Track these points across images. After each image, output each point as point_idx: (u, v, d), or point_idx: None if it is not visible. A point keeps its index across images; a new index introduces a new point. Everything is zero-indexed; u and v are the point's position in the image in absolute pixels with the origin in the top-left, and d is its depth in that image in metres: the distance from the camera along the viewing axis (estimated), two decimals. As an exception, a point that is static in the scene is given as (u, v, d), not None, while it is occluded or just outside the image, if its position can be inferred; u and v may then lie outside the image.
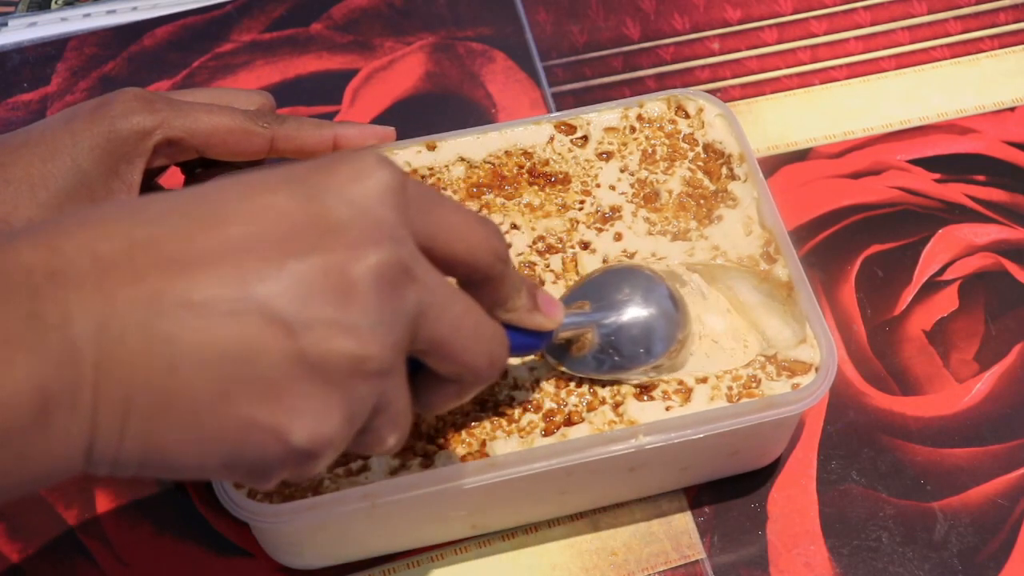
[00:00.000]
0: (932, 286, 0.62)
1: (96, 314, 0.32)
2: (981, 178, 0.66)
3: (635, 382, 0.50)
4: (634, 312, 0.50)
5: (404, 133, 0.58)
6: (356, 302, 0.34)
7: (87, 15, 0.76)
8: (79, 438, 0.32)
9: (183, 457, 0.34)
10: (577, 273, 0.54)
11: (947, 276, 0.63)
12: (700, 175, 0.56)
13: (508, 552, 0.54)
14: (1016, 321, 0.61)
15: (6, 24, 0.76)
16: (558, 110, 0.69)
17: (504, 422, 0.50)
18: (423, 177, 0.57)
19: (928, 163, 0.67)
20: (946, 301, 0.62)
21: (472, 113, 0.70)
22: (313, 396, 0.34)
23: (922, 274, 0.63)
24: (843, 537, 0.54)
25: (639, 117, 0.58)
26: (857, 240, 0.64)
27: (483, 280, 0.40)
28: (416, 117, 0.70)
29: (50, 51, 0.74)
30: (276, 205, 0.34)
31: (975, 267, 0.63)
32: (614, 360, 0.50)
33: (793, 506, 0.55)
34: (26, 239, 0.33)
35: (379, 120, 0.70)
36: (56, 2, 0.77)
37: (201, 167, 0.56)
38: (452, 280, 0.39)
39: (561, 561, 0.54)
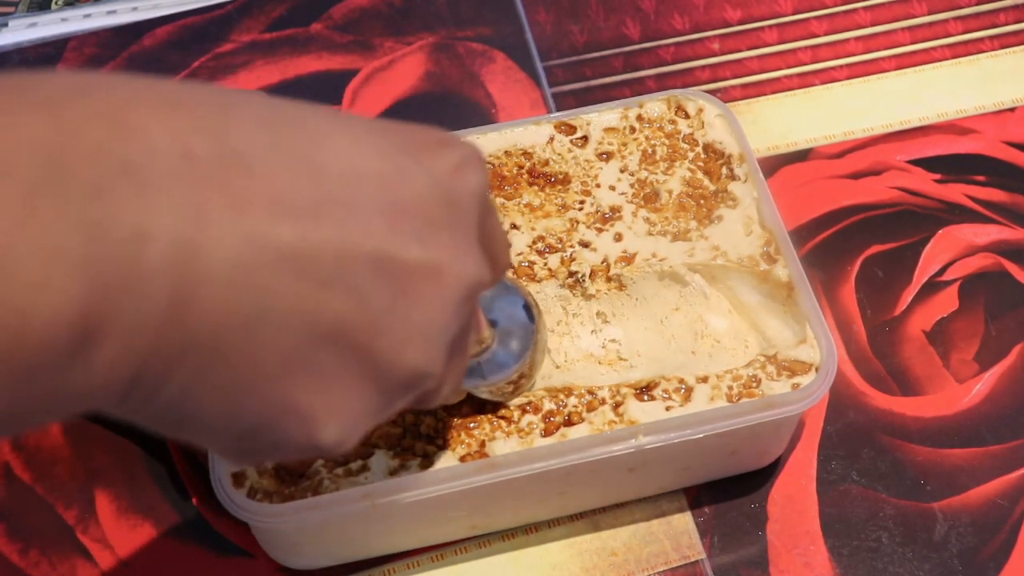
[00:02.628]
0: (932, 286, 0.62)
1: (183, 236, 0.26)
2: (981, 178, 0.66)
3: (484, 395, 0.50)
4: (513, 321, 0.49)
5: (404, 133, 0.58)
6: (440, 313, 0.32)
7: (87, 15, 0.76)
8: (120, 382, 0.27)
9: (207, 420, 0.30)
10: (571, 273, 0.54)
11: (947, 276, 0.63)
12: (700, 175, 0.56)
13: (508, 552, 0.54)
14: (1016, 321, 0.61)
15: (6, 24, 0.76)
16: (558, 110, 0.69)
17: (503, 423, 0.50)
18: None
19: (928, 163, 0.67)
20: (946, 301, 0.62)
21: (472, 113, 0.70)
22: (360, 398, 0.31)
23: (922, 274, 0.63)
24: (843, 537, 0.54)
25: (639, 117, 0.58)
26: (857, 240, 0.64)
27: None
28: (416, 117, 0.69)
29: (50, 51, 0.74)
30: (384, 175, 0.31)
31: (975, 267, 0.63)
32: (482, 367, 0.48)
33: (793, 506, 0.55)
34: (86, 103, 0.26)
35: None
36: (56, 2, 0.77)
37: None
38: None
39: (561, 561, 0.54)
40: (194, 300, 0.27)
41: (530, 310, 0.49)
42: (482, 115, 0.70)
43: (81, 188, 0.25)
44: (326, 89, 0.71)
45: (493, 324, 0.48)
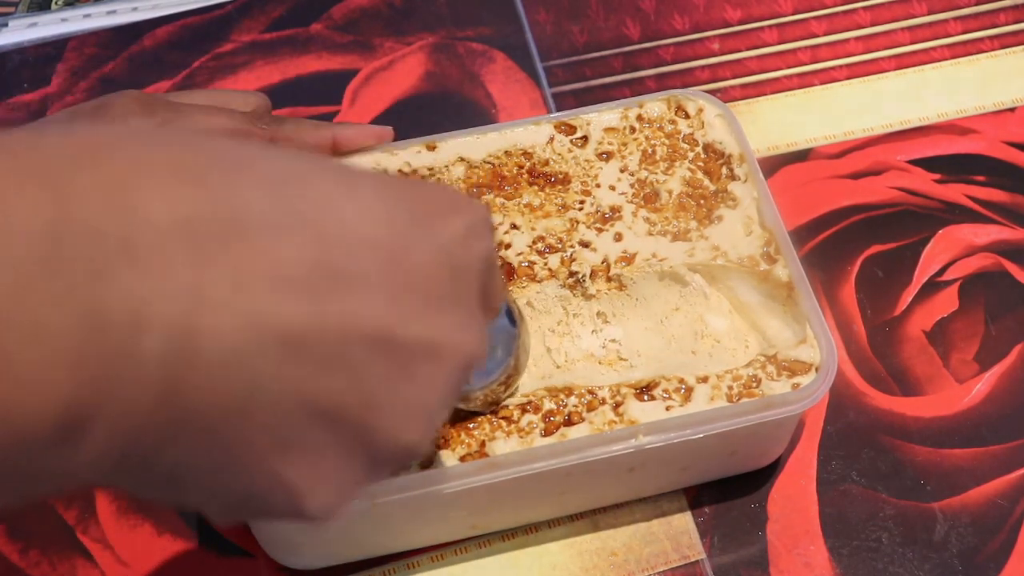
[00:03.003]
0: (932, 286, 0.62)
1: (181, 321, 0.26)
2: (981, 178, 0.66)
3: (469, 406, 0.49)
4: (495, 328, 0.48)
5: (404, 133, 0.58)
6: (437, 391, 0.31)
7: (87, 15, 0.76)
8: (107, 464, 0.26)
9: (195, 492, 0.29)
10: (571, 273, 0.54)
11: (947, 276, 0.63)
12: (700, 175, 0.56)
13: (508, 552, 0.54)
14: (1016, 321, 0.61)
15: (6, 24, 0.76)
16: (558, 110, 0.69)
17: (503, 423, 0.50)
18: (423, 178, 0.57)
19: (928, 163, 0.67)
20: (946, 301, 0.62)
21: (472, 113, 0.70)
22: (350, 472, 0.31)
23: (922, 274, 0.63)
24: (843, 537, 0.54)
25: (639, 117, 0.58)
26: (857, 240, 0.64)
27: None
28: (416, 117, 0.70)
29: (50, 51, 0.74)
30: (390, 247, 0.30)
31: (975, 267, 0.63)
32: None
33: (793, 506, 0.55)
34: (87, 175, 0.25)
35: (379, 120, 0.70)
36: (56, 2, 0.77)
37: None
38: None
39: (561, 561, 0.54)
40: (187, 386, 0.26)
41: (512, 314, 0.49)
42: (482, 115, 0.70)
43: (78, 272, 0.24)
44: (326, 89, 0.71)
45: None
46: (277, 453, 0.29)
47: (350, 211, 0.30)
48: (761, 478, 0.56)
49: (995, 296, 0.62)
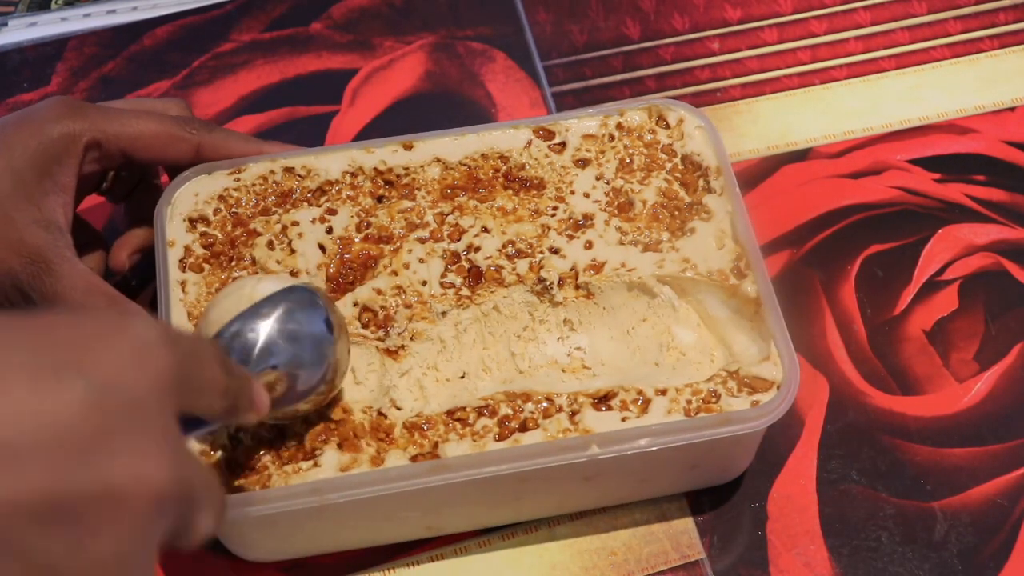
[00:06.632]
0: (932, 286, 0.62)
1: None
2: (981, 178, 0.66)
3: (299, 413, 0.49)
4: (303, 341, 0.47)
5: (404, 133, 0.59)
6: (132, 537, 0.29)
7: (87, 15, 0.76)
8: None
9: None
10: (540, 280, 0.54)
11: (947, 276, 0.63)
12: (676, 186, 0.56)
13: (508, 551, 0.54)
14: (1016, 321, 0.61)
15: (6, 24, 0.76)
16: (558, 110, 0.69)
17: (458, 425, 0.50)
18: (398, 176, 0.56)
19: (928, 163, 0.67)
20: (946, 301, 0.62)
21: (472, 113, 0.70)
22: None
23: (922, 274, 0.63)
24: (843, 537, 0.54)
25: (619, 125, 0.58)
26: (857, 240, 0.64)
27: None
28: (416, 117, 0.70)
29: (50, 51, 0.74)
30: (29, 406, 0.28)
31: (975, 267, 0.63)
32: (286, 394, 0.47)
33: (793, 506, 0.55)
34: None
35: (379, 119, 0.70)
36: (56, 2, 0.77)
37: (127, 172, 0.58)
38: None
39: (561, 561, 0.54)
40: None
41: (329, 323, 0.48)
42: (482, 115, 0.70)
43: None
44: (326, 89, 0.71)
45: (275, 368, 0.45)
46: None
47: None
48: (761, 478, 0.56)
49: (995, 296, 0.62)
